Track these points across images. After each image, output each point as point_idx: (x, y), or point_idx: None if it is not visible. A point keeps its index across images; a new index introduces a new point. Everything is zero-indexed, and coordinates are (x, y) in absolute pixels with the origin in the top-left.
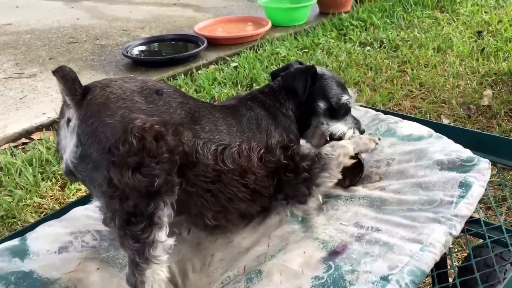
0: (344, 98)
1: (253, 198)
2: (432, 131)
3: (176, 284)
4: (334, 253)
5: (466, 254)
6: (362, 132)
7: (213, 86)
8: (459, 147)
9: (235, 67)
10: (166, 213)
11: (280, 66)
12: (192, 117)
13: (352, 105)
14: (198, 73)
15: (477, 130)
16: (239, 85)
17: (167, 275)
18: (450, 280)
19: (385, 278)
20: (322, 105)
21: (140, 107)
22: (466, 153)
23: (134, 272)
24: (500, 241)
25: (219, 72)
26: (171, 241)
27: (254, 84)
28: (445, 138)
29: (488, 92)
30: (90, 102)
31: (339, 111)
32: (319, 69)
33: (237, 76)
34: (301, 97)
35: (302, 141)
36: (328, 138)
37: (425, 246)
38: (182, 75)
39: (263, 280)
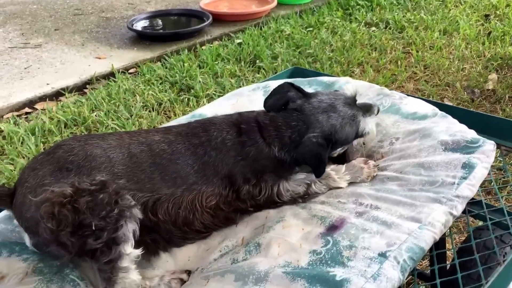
0: (361, 129)
1: (214, 218)
2: (436, 110)
3: (174, 252)
4: (332, 228)
5: (464, 238)
6: (378, 110)
7: (216, 62)
8: (464, 127)
9: (239, 44)
10: (130, 228)
11: (284, 44)
12: (119, 172)
13: (370, 124)
14: (202, 49)
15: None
16: (243, 62)
17: (139, 277)
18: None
19: (383, 255)
20: (341, 150)
21: (51, 187)
22: (471, 134)
23: (107, 284)
24: (501, 223)
25: (223, 48)
26: (137, 251)
27: (258, 61)
28: (449, 118)
29: (493, 76)
30: (15, 204)
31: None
32: (326, 118)
33: (241, 52)
34: (318, 175)
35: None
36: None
37: (424, 225)
38: (186, 50)
39: (261, 252)
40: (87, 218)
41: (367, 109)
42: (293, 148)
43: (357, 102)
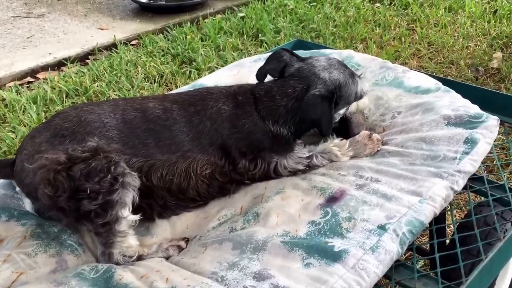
0: (359, 89)
1: (208, 187)
2: (440, 84)
3: (173, 220)
4: (332, 199)
5: (463, 215)
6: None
7: (219, 35)
8: (467, 102)
9: (242, 18)
10: (127, 194)
11: (288, 19)
12: (113, 137)
13: (366, 85)
14: (205, 22)
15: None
16: (245, 35)
17: (136, 242)
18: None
19: (382, 227)
20: (343, 111)
21: (48, 154)
22: (474, 109)
23: (104, 248)
24: (502, 200)
25: (226, 22)
26: (135, 216)
27: (260, 35)
28: (453, 92)
29: (498, 54)
30: (16, 171)
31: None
32: (328, 75)
33: (243, 26)
34: (325, 132)
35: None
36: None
37: (424, 199)
38: (188, 23)
39: (260, 221)
40: (82, 184)
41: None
42: (290, 118)
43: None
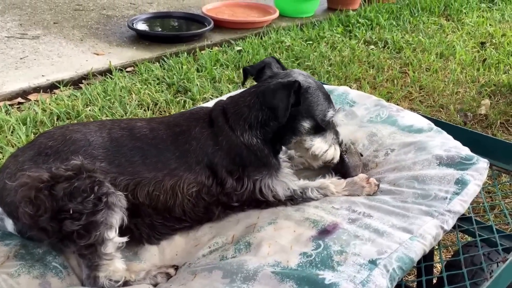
0: (329, 114)
1: (194, 207)
2: (432, 125)
3: (163, 246)
4: (324, 232)
5: (448, 254)
6: (340, 143)
7: (215, 67)
8: (458, 144)
9: (239, 51)
10: (113, 215)
11: (284, 55)
12: (99, 155)
13: (336, 121)
14: (201, 53)
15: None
16: (241, 69)
17: (124, 266)
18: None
19: (373, 262)
20: (306, 124)
21: (30, 172)
22: (465, 151)
23: (90, 271)
24: (489, 240)
25: (223, 54)
26: (122, 239)
27: None
28: (444, 133)
29: (486, 101)
30: None
31: (325, 128)
32: (302, 78)
33: (240, 59)
34: (281, 120)
35: (289, 176)
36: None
37: (415, 236)
38: (185, 53)
39: (251, 251)
40: (65, 204)
41: (336, 130)
42: (254, 117)
43: None
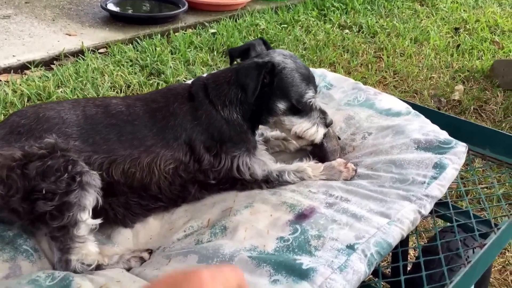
0: (308, 96)
1: (171, 185)
2: (410, 108)
3: (137, 230)
4: (301, 216)
5: (422, 241)
6: (329, 124)
7: (189, 50)
8: (436, 127)
9: (213, 34)
10: (86, 196)
11: (258, 38)
12: (73, 133)
13: (316, 103)
14: (175, 35)
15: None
16: (216, 51)
17: (96, 249)
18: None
19: (351, 247)
20: (281, 105)
21: (2, 151)
22: (443, 134)
23: (61, 254)
24: (466, 226)
25: (197, 37)
26: (95, 221)
27: None
28: (422, 117)
29: (460, 87)
30: None
31: (302, 110)
32: (280, 58)
33: (214, 42)
34: (249, 99)
35: (267, 156)
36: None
37: (393, 221)
38: (159, 35)
39: (227, 235)
40: (38, 183)
41: (323, 111)
42: (234, 94)
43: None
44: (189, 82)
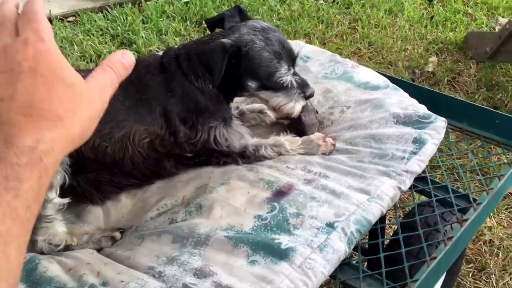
0: (279, 74)
1: (145, 160)
2: (388, 82)
3: (108, 208)
4: (279, 194)
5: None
6: (310, 96)
7: (161, 19)
8: (415, 102)
9: (186, 3)
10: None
11: (232, 7)
12: None
13: (290, 78)
14: (147, 4)
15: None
16: (189, 21)
17: (64, 229)
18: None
19: (331, 225)
20: (252, 84)
21: None
22: (423, 109)
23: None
24: (445, 200)
25: (169, 6)
26: (63, 200)
27: (204, 22)
28: (401, 91)
29: (434, 59)
30: None
31: (275, 87)
32: (249, 36)
33: (187, 11)
34: (215, 82)
35: (243, 128)
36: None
37: (373, 197)
38: (130, 4)
39: (203, 214)
40: None
41: (303, 84)
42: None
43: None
44: (160, 53)
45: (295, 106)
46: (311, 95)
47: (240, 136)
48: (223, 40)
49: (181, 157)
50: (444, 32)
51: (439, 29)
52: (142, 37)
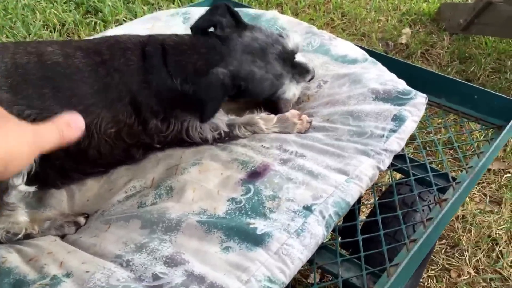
0: (281, 91)
1: (112, 149)
2: (366, 55)
3: (72, 191)
4: (254, 175)
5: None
6: (311, 79)
7: None
8: (394, 76)
9: None
10: None
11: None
12: (2, 85)
13: (291, 87)
14: None
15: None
16: None
17: (26, 219)
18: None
19: (308, 208)
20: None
21: None
22: (402, 84)
23: None
24: (423, 179)
25: None
26: (30, 188)
27: None
28: (379, 65)
29: (407, 30)
30: None
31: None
32: (247, 66)
33: None
34: (204, 119)
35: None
36: None
37: (351, 178)
38: None
39: (174, 197)
40: None
41: (301, 72)
42: (196, 79)
43: (295, 60)
44: (142, 36)
45: (296, 94)
46: (312, 77)
47: (215, 127)
48: (221, 72)
49: (150, 146)
50: (418, 2)
51: (413, 0)
52: (109, 5)
